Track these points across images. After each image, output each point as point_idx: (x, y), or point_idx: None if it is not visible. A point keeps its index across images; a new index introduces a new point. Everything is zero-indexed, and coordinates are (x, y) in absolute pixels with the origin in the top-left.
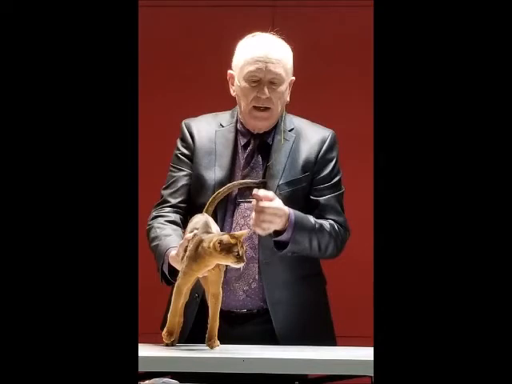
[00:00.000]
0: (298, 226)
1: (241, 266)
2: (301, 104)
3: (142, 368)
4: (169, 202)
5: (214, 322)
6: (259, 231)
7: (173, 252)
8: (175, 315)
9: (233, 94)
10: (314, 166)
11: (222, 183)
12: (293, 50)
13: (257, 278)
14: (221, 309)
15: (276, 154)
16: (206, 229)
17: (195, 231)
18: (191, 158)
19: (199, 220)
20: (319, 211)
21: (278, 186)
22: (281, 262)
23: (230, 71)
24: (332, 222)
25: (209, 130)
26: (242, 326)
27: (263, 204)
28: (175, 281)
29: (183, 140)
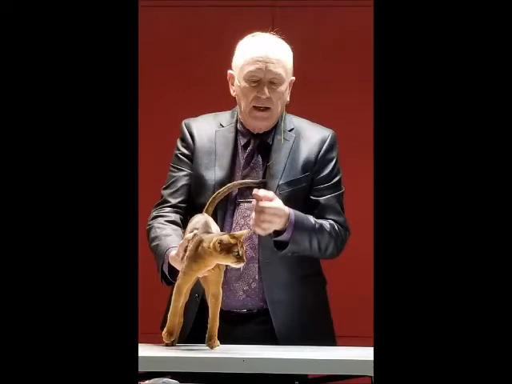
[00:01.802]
0: (298, 226)
1: (241, 266)
2: (301, 104)
3: (141, 368)
4: (169, 201)
5: (214, 322)
6: (259, 231)
7: (173, 252)
8: (175, 315)
9: (233, 94)
10: (313, 165)
11: (222, 183)
12: (293, 50)
13: (257, 278)
14: (221, 309)
15: (276, 154)
16: (206, 229)
17: (195, 231)
18: (191, 158)
19: (199, 220)
20: (319, 211)
21: (278, 185)
22: (281, 262)
23: (229, 71)
24: (332, 222)
25: (209, 130)
26: (242, 325)
27: (263, 204)
28: (175, 281)
29: (183, 140)
